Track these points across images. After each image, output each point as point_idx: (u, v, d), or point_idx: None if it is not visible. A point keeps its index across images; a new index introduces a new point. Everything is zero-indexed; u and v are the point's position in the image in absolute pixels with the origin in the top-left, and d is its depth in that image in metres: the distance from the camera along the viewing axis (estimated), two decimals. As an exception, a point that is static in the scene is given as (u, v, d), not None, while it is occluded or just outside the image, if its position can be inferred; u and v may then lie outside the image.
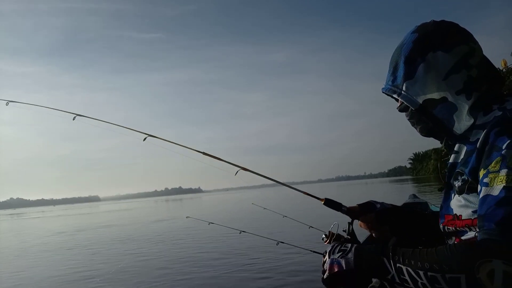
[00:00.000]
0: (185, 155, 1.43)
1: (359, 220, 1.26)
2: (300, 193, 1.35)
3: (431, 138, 1.17)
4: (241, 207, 22.80)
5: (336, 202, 1.25)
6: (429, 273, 0.77)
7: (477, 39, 1.04)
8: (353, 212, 1.25)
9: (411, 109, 1.07)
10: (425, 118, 1.04)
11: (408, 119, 1.13)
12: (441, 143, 1.13)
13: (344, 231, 1.24)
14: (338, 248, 0.92)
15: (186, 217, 3.67)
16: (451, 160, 1.04)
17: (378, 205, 1.27)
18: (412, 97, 1.03)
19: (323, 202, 1.25)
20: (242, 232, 3.71)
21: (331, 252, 0.92)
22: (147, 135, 1.49)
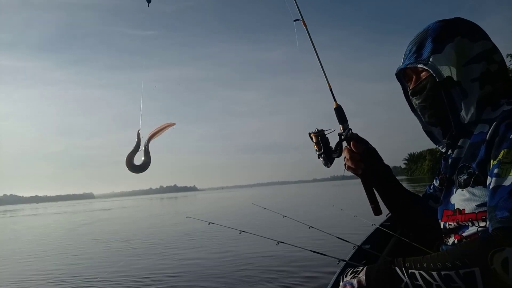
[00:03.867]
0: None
1: (348, 145, 1.24)
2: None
3: (428, 139, 1.18)
4: (241, 207, 22.78)
5: (345, 114, 1.26)
6: (442, 272, 0.75)
7: None
8: (350, 136, 1.25)
9: (428, 90, 1.06)
10: (444, 95, 1.02)
11: (419, 103, 1.11)
12: (443, 138, 1.13)
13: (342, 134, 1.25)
14: (350, 271, 0.93)
15: (186, 217, 3.67)
16: (454, 155, 1.04)
17: (371, 146, 1.27)
18: (439, 68, 1.02)
19: (335, 106, 1.28)
20: (242, 232, 3.70)
21: (344, 276, 0.94)
22: None
